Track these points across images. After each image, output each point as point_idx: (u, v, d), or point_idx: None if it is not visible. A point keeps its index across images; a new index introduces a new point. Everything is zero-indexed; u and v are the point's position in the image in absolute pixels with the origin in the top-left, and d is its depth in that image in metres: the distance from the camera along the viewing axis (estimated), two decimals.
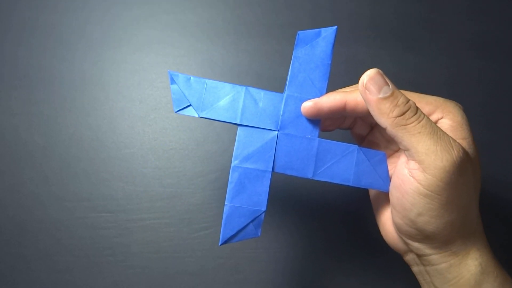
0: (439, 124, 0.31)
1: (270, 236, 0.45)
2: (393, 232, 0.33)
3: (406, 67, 0.50)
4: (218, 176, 0.46)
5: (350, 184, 0.32)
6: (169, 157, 0.46)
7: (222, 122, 0.33)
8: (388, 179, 0.33)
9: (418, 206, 0.29)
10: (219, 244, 0.32)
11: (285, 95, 0.33)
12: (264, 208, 0.32)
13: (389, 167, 0.33)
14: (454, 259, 0.30)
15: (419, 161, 0.28)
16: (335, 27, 0.33)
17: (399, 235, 0.33)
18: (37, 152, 0.46)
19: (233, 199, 0.32)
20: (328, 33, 0.33)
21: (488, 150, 0.47)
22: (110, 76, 0.48)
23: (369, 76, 0.28)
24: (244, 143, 0.33)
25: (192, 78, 0.33)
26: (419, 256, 0.32)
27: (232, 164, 0.32)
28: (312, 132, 0.33)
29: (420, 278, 0.34)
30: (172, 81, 0.33)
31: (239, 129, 0.33)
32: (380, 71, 0.29)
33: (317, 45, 0.33)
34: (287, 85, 0.33)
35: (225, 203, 0.32)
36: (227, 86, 0.33)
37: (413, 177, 0.29)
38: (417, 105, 0.29)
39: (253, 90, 0.33)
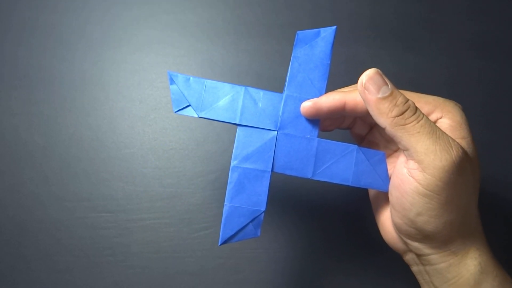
0: (438, 124, 0.31)
1: (270, 236, 0.45)
2: (392, 231, 0.33)
3: (406, 67, 0.50)
4: (218, 176, 0.46)
5: (350, 184, 0.32)
6: (169, 157, 0.46)
7: (221, 122, 0.33)
8: (387, 179, 0.33)
9: (417, 206, 0.29)
10: (219, 244, 0.32)
11: (284, 95, 0.33)
12: (263, 208, 0.32)
13: (389, 167, 0.33)
14: (454, 258, 0.30)
15: (418, 161, 0.28)
16: (334, 27, 0.33)
17: (398, 235, 0.33)
18: (37, 152, 0.46)
19: (232, 199, 0.32)
20: (327, 33, 0.33)
21: (488, 150, 0.47)
22: (110, 76, 0.48)
23: (368, 76, 0.29)
24: (244, 143, 0.33)
25: (191, 78, 0.33)
26: (418, 255, 0.32)
27: (232, 164, 0.32)
28: (311, 132, 0.33)
29: (419, 277, 0.34)
30: (172, 81, 0.33)
31: (239, 129, 0.33)
32: (379, 71, 0.29)
33: (316, 45, 0.33)
34: (286, 85, 0.33)
35: (225, 203, 0.32)
36: (227, 86, 0.33)
37: (412, 176, 0.29)
38: (416, 104, 0.29)
39: (252, 90, 0.33)
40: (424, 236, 0.30)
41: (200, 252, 0.44)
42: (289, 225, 0.45)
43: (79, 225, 0.44)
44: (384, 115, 0.28)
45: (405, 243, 0.32)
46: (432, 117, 0.31)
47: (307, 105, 0.32)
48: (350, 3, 0.51)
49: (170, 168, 0.46)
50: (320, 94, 0.33)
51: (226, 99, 0.33)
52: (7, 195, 0.45)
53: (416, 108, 0.29)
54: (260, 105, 0.33)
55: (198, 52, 0.49)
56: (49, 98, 0.47)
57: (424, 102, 0.31)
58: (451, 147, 0.28)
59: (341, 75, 0.48)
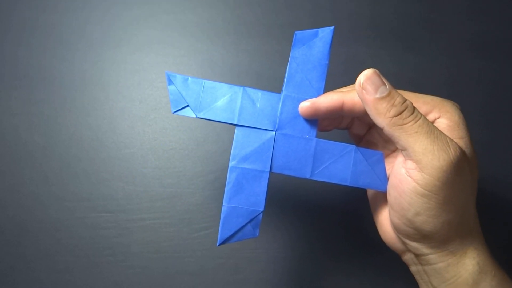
0: (436, 124, 0.31)
1: (269, 236, 0.45)
2: (391, 231, 0.33)
3: (406, 67, 0.50)
4: (218, 176, 0.46)
5: (348, 184, 0.32)
6: (169, 157, 0.46)
7: (220, 123, 0.33)
8: (385, 179, 0.33)
9: (415, 206, 0.29)
10: (217, 244, 0.32)
11: (282, 95, 0.33)
12: (262, 208, 0.32)
13: (387, 167, 0.33)
14: (452, 258, 0.30)
15: (416, 161, 0.28)
16: (332, 27, 0.33)
17: (397, 235, 0.33)
18: (37, 152, 0.46)
19: (231, 200, 0.32)
20: (325, 33, 0.33)
21: (488, 150, 0.47)
22: (110, 76, 0.48)
23: (366, 76, 0.29)
24: (242, 144, 0.33)
25: (189, 78, 0.33)
26: (417, 255, 0.32)
27: (230, 165, 0.32)
28: (309, 132, 0.33)
29: (418, 277, 0.34)
30: (170, 81, 0.33)
31: (237, 129, 0.33)
32: (376, 71, 0.29)
33: (314, 45, 0.33)
34: (284, 85, 0.33)
35: (223, 204, 0.32)
36: (225, 87, 0.33)
37: (410, 176, 0.29)
38: (414, 104, 0.29)
39: (250, 91, 0.33)
40: (423, 236, 0.30)
41: (200, 252, 0.44)
42: (288, 225, 0.45)
43: (79, 225, 0.44)
44: (382, 115, 0.28)
45: (404, 243, 0.32)
46: (430, 117, 0.31)
47: (305, 105, 0.32)
48: (350, 3, 0.51)
49: (170, 168, 0.46)
50: (318, 94, 0.33)
51: (224, 99, 0.33)
52: (7, 195, 0.45)
53: (414, 108, 0.29)
54: (258, 105, 0.33)
55: (198, 52, 0.49)
56: (49, 98, 0.47)
57: (422, 102, 0.31)
58: (449, 147, 0.28)
59: (341, 75, 0.48)
